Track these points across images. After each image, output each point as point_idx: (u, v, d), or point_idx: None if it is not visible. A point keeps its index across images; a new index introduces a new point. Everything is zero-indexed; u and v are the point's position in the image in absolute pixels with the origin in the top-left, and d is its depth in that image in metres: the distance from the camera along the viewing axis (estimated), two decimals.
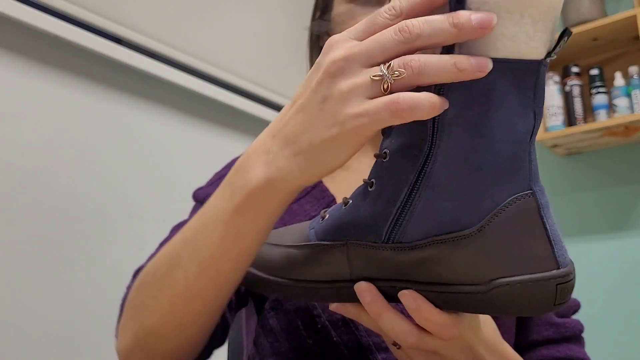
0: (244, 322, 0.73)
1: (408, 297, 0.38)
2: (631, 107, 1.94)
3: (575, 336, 0.67)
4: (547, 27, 0.34)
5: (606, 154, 2.10)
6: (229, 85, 1.75)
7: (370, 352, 0.58)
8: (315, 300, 0.43)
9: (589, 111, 2.09)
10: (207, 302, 0.46)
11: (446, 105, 0.34)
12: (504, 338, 0.64)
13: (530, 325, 0.67)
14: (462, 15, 0.33)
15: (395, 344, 0.43)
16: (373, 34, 0.36)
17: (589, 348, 1.94)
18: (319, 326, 0.60)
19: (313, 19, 0.79)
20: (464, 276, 0.36)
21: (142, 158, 1.45)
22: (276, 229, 0.64)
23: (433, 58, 0.33)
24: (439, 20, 0.33)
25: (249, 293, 0.72)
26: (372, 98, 0.35)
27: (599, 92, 1.99)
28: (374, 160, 0.70)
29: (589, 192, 2.11)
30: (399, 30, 0.34)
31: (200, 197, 0.73)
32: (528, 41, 0.34)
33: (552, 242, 0.36)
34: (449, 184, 0.36)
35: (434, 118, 0.36)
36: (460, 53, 0.34)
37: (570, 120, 2.03)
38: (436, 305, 0.39)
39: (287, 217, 0.67)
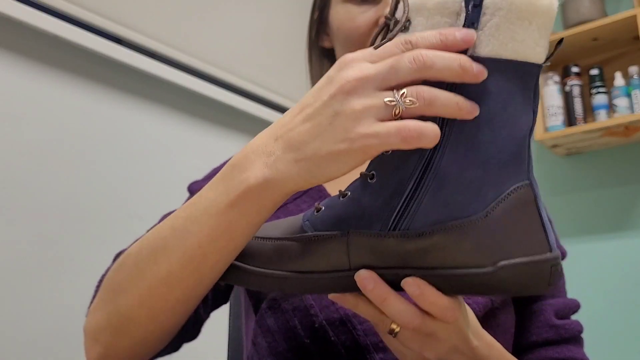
0: (244, 321, 0.73)
1: (412, 284, 0.40)
2: (631, 107, 1.94)
3: (574, 337, 0.67)
4: (548, 34, 0.39)
5: (606, 154, 2.10)
6: (229, 85, 1.75)
7: (368, 352, 0.58)
8: (311, 291, 0.43)
9: (589, 111, 2.09)
10: (187, 290, 0.46)
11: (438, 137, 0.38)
12: (503, 339, 0.64)
13: (529, 327, 0.67)
14: (468, 61, 0.37)
15: (391, 332, 0.43)
16: (386, 59, 0.39)
17: (589, 348, 1.94)
18: (316, 326, 0.60)
19: (311, 18, 0.79)
20: (470, 260, 0.38)
21: (142, 158, 1.45)
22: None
23: (441, 93, 0.37)
24: (450, 58, 0.37)
25: (230, 291, 0.72)
26: (382, 120, 0.37)
27: (599, 92, 1.99)
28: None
29: (589, 192, 2.11)
30: (413, 59, 0.37)
31: (195, 190, 0.73)
32: (534, 46, 0.38)
33: (546, 228, 0.40)
34: (457, 175, 0.39)
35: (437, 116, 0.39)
36: (475, 51, 0.38)
37: (570, 120, 2.03)
38: (439, 290, 0.40)
39: (283, 215, 0.67)
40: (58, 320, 1.20)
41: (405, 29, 0.40)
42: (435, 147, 0.39)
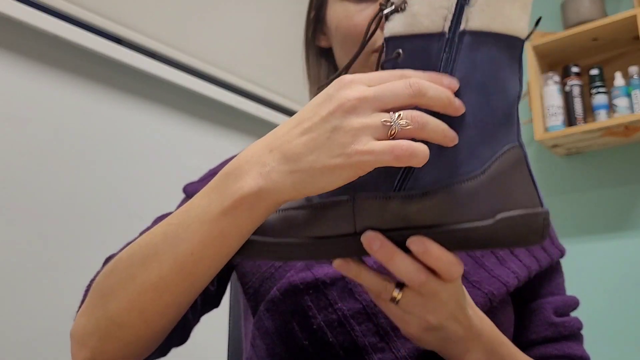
0: (243, 323, 0.73)
1: (417, 242, 0.41)
2: (631, 107, 1.94)
3: (574, 334, 0.67)
4: (529, 12, 0.43)
5: (606, 154, 2.10)
6: (229, 85, 1.75)
7: (366, 353, 0.58)
8: (319, 258, 0.44)
9: (589, 111, 2.09)
10: (177, 296, 0.47)
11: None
12: None
13: (528, 325, 0.67)
14: (452, 96, 0.41)
15: (393, 299, 0.44)
16: (383, 82, 0.42)
17: (589, 348, 1.94)
18: (315, 327, 0.60)
19: (307, 18, 0.79)
20: (471, 215, 0.41)
21: (142, 158, 1.45)
22: None
23: (432, 119, 0.41)
24: (440, 90, 0.41)
25: (222, 295, 0.72)
26: (378, 139, 0.40)
27: (599, 92, 1.99)
28: None
29: (589, 192, 2.11)
30: (409, 85, 0.40)
31: (190, 192, 0.74)
32: (518, 21, 0.43)
33: (536, 186, 0.43)
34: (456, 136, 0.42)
35: None
36: (468, 25, 0.42)
37: (570, 120, 2.03)
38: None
39: None
40: (58, 320, 1.20)
41: (401, 9, 0.43)
42: (434, 111, 0.42)
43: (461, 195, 0.41)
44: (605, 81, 2.05)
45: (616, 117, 1.92)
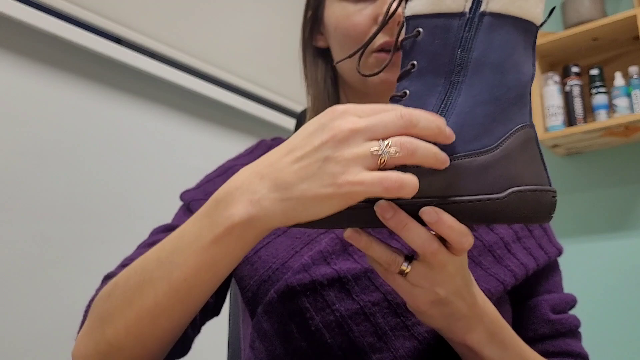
0: (241, 325, 0.73)
1: (430, 211, 0.42)
2: (631, 107, 1.94)
3: (571, 331, 0.68)
4: (544, 0, 0.46)
5: (606, 154, 2.10)
6: (229, 85, 1.76)
7: (365, 353, 0.58)
8: (332, 226, 0.44)
9: (589, 111, 2.09)
10: (174, 319, 0.49)
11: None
12: None
13: (526, 323, 0.67)
14: (443, 124, 0.42)
15: (401, 272, 0.45)
16: (375, 114, 0.42)
17: (589, 348, 1.94)
18: (313, 328, 0.60)
19: (305, 18, 0.78)
20: (483, 188, 0.43)
21: (142, 158, 1.45)
22: (278, 236, 0.65)
23: (422, 145, 0.41)
24: (431, 119, 0.42)
25: (222, 305, 0.72)
26: (369, 168, 0.41)
27: (599, 92, 1.99)
28: None
29: (589, 192, 2.11)
30: (401, 116, 0.41)
31: (186, 200, 0.74)
32: (534, 8, 0.45)
33: (545, 165, 0.45)
34: (471, 111, 0.44)
35: (454, 59, 0.44)
36: (488, 7, 0.44)
37: (570, 120, 2.03)
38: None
39: None
40: (58, 320, 1.20)
41: None
42: (453, 87, 0.44)
43: (474, 168, 0.43)
44: (605, 81, 2.05)
45: (616, 117, 1.92)
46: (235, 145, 1.75)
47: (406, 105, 0.45)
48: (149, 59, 1.46)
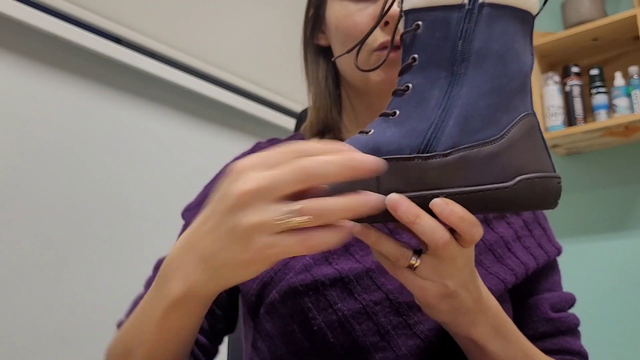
0: (242, 325, 0.73)
1: (440, 203, 0.42)
2: (631, 107, 1.94)
3: (570, 329, 0.68)
4: None
5: (606, 154, 2.10)
6: (229, 85, 1.75)
7: (367, 352, 0.58)
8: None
9: (589, 111, 2.09)
10: None
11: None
12: None
13: (526, 322, 0.67)
14: (358, 159, 0.39)
15: (410, 266, 0.45)
16: (275, 166, 0.39)
17: (588, 348, 1.94)
18: (315, 328, 0.60)
19: (306, 16, 0.78)
20: (492, 176, 0.43)
21: (142, 158, 1.45)
22: None
23: (329, 203, 0.38)
24: (331, 161, 0.39)
25: (235, 322, 0.72)
26: (278, 232, 0.38)
27: (599, 92, 1.99)
28: None
29: (589, 192, 2.11)
30: (297, 171, 0.38)
31: (187, 220, 0.75)
32: None
33: (549, 152, 0.46)
34: (475, 102, 0.44)
35: (455, 52, 0.45)
36: None
37: (570, 120, 2.03)
38: None
39: None
40: (58, 320, 1.20)
41: None
42: (455, 79, 0.45)
43: (482, 158, 0.43)
44: (605, 81, 2.05)
45: (616, 117, 1.92)
46: (235, 145, 1.75)
47: (409, 99, 0.45)
48: (149, 59, 1.46)
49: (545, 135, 1.97)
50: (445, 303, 0.48)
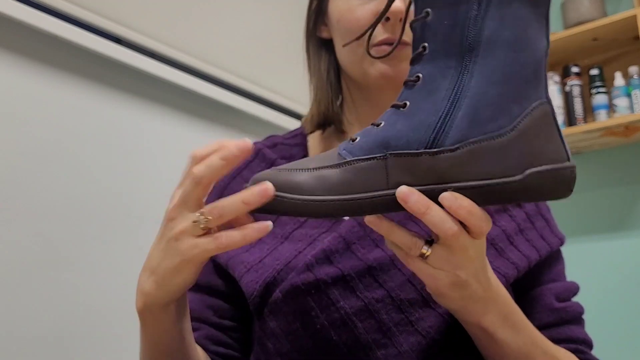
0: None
1: (449, 197, 0.43)
2: (631, 107, 1.94)
3: (575, 318, 0.68)
4: None
5: (606, 154, 2.10)
6: (229, 85, 1.75)
7: (370, 349, 0.59)
8: (352, 214, 0.45)
9: (589, 111, 2.09)
10: None
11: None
12: None
13: (531, 313, 0.67)
14: (230, 145, 0.47)
15: (422, 255, 0.45)
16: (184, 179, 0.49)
17: None
18: (318, 327, 0.60)
19: (309, 8, 0.78)
20: (501, 169, 0.43)
21: (142, 158, 1.45)
22: (282, 243, 0.66)
23: (226, 203, 0.46)
24: (205, 164, 0.47)
25: (245, 316, 0.72)
26: (199, 235, 0.47)
27: (599, 92, 2.00)
28: None
29: (589, 192, 2.11)
30: (189, 177, 0.48)
31: None
32: None
33: (563, 140, 0.45)
34: (485, 92, 0.43)
35: (465, 40, 0.44)
36: None
37: (570, 120, 2.03)
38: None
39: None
40: (57, 319, 1.20)
41: None
42: (465, 69, 0.44)
43: (492, 151, 0.43)
44: (605, 81, 2.05)
45: (616, 117, 1.92)
46: None
47: (419, 90, 0.45)
48: (149, 59, 1.46)
49: None
50: (456, 292, 0.48)
